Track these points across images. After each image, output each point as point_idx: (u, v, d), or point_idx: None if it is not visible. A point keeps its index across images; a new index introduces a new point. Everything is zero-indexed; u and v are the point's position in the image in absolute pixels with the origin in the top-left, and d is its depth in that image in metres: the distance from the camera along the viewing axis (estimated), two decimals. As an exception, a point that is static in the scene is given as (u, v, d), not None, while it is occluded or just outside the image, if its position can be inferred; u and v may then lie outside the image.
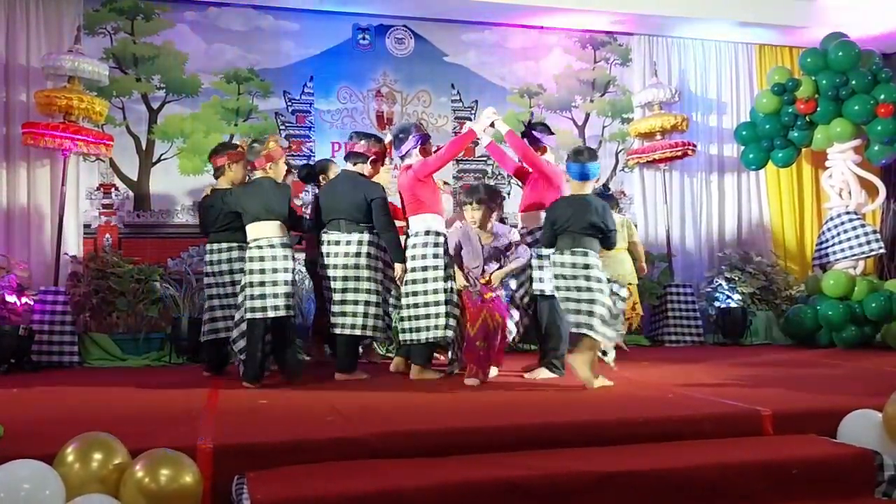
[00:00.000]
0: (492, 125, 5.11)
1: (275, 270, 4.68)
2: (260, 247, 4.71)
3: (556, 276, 4.48)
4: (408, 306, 4.83)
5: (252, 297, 4.66)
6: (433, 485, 2.64)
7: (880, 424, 3.23)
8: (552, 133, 5.14)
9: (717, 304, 7.68)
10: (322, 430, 3.17)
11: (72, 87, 6.34)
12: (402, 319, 4.89)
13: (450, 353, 5.07)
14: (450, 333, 4.77)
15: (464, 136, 5.19)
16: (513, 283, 5.09)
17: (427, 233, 4.83)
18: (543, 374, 4.90)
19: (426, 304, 4.76)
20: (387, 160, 5.43)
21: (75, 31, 6.63)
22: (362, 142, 5.14)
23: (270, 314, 4.66)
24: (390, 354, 5.98)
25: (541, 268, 4.88)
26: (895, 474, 3.01)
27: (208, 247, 5.16)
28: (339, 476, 2.71)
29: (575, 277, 4.39)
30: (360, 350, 5.39)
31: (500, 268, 4.84)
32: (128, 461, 2.56)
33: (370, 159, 5.11)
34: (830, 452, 3.14)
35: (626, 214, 7.62)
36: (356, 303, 4.85)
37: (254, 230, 4.76)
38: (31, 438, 3.01)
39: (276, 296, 4.66)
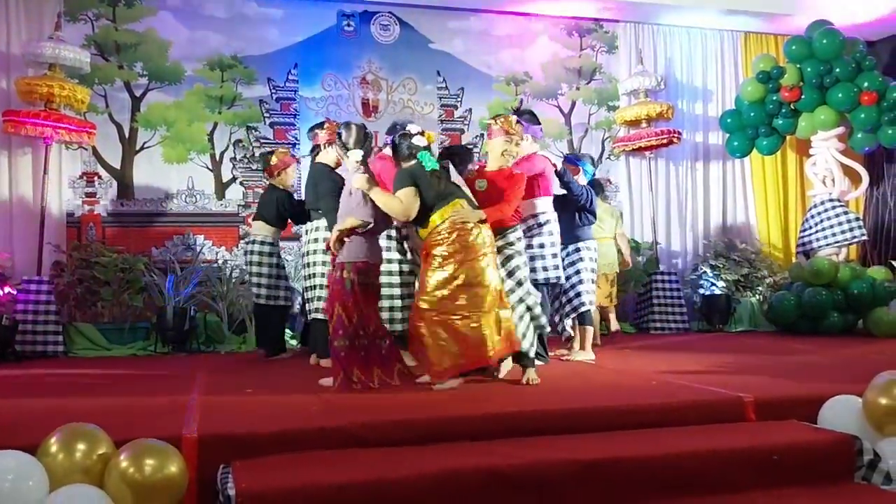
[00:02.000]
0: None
1: (251, 263, 5.53)
2: (248, 243, 5.61)
3: (592, 260, 5.22)
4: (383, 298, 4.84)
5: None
6: (417, 473, 2.65)
7: (860, 410, 3.26)
8: (538, 123, 5.11)
9: (701, 291, 7.74)
10: (307, 420, 3.18)
11: (53, 75, 6.28)
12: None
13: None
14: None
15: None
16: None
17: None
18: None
19: (391, 297, 4.68)
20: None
21: (56, 18, 6.54)
22: (316, 133, 5.35)
23: (254, 300, 5.62)
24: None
25: (531, 258, 4.86)
26: (874, 459, 3.04)
27: None
28: (324, 465, 2.71)
29: None
30: None
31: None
32: (112, 451, 2.55)
33: (323, 145, 5.23)
34: (811, 438, 3.17)
35: (611, 202, 7.64)
36: (311, 287, 5.08)
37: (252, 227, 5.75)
38: (14, 429, 3.01)
39: (258, 286, 5.51)
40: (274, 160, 5.67)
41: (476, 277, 3.88)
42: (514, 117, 4.42)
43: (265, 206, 5.61)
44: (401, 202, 3.91)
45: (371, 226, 4.03)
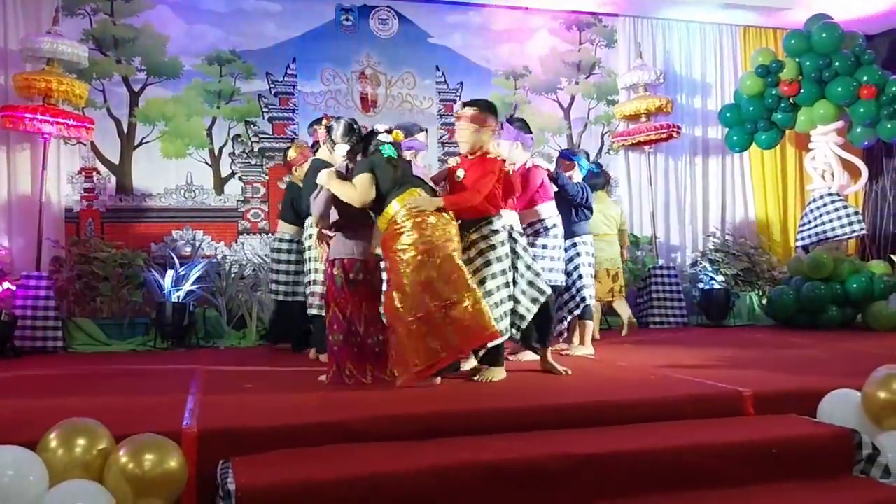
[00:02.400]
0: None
1: (272, 261, 5.67)
2: (273, 240, 5.79)
3: (589, 255, 5.27)
4: None
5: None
6: (416, 469, 2.65)
7: (859, 404, 3.27)
8: (530, 131, 5.04)
9: (700, 285, 7.74)
10: (306, 415, 3.18)
11: (51, 70, 6.27)
12: None
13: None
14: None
15: None
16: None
17: None
18: (527, 356, 4.92)
19: None
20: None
21: (54, 13, 6.52)
22: (316, 129, 5.35)
23: (271, 296, 5.73)
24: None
25: (533, 257, 4.86)
26: (873, 452, 3.05)
27: None
28: (323, 460, 2.72)
29: None
30: None
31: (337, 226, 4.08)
32: (112, 446, 2.55)
33: (322, 141, 5.15)
34: (810, 432, 3.17)
35: (612, 197, 7.64)
36: (308, 283, 5.12)
37: None
38: (14, 424, 3.01)
39: (275, 282, 5.58)
40: (292, 153, 5.70)
41: (444, 263, 3.76)
42: (482, 104, 4.25)
43: (283, 203, 5.72)
44: (355, 189, 3.89)
45: (338, 220, 4.02)
